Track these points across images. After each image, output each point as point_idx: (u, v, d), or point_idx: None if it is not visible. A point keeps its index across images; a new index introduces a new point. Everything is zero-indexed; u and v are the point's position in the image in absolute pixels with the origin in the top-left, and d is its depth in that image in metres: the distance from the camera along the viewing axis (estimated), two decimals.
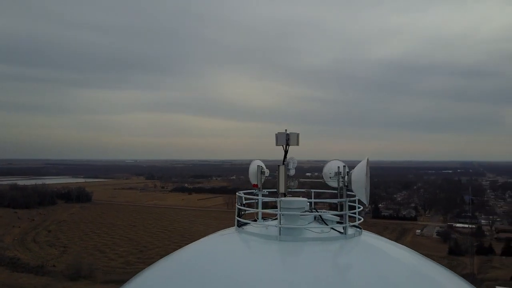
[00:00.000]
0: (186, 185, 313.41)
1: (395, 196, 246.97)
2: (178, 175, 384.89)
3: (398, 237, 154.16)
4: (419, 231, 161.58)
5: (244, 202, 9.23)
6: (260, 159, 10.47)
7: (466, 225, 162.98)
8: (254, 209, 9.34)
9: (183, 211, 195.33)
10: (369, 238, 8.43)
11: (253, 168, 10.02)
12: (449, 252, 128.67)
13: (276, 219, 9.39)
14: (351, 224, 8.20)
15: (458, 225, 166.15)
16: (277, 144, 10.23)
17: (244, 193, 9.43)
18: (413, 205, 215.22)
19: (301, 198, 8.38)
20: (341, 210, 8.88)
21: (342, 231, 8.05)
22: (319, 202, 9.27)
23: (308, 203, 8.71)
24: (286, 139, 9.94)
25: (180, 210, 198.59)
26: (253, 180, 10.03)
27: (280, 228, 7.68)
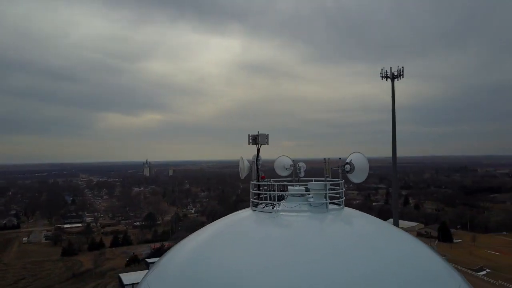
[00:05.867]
0: None
1: None
2: None
3: (2, 249, 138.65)
4: (25, 238, 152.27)
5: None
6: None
7: (74, 225, 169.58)
8: (297, 192, 10.82)
9: None
10: (349, 209, 12.09)
11: (246, 164, 11.31)
12: (62, 254, 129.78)
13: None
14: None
15: (66, 226, 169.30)
16: (251, 144, 11.91)
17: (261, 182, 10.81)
18: (13, 212, 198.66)
19: (326, 182, 10.95)
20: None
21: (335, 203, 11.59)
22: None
23: None
24: (266, 139, 11.92)
25: None
26: (245, 174, 11.36)
27: (327, 203, 10.34)
